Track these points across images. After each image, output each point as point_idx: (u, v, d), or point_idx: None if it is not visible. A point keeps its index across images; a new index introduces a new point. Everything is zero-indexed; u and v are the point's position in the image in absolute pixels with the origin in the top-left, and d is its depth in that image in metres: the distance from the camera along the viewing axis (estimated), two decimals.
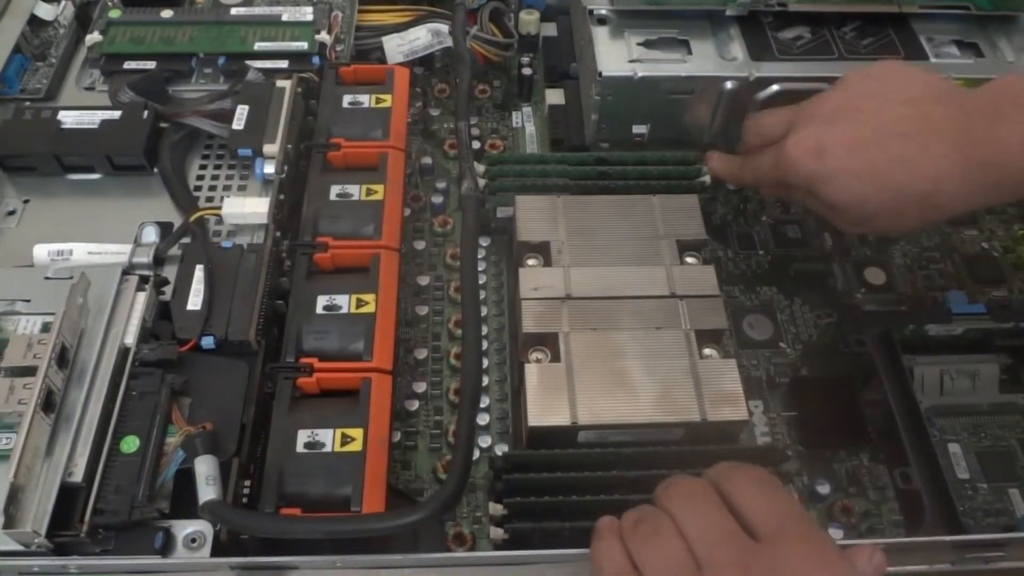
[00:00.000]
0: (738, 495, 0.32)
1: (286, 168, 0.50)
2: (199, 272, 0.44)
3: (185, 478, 0.38)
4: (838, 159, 0.43)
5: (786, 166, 0.45)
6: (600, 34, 0.57)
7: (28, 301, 0.42)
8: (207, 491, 0.37)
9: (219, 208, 0.48)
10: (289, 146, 0.51)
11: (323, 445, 0.40)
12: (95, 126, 0.51)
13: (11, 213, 0.50)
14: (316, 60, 0.56)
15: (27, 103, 0.55)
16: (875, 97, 0.44)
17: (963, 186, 0.41)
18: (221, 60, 0.56)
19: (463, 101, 0.57)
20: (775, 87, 0.55)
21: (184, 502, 0.38)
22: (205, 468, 0.37)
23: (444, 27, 0.62)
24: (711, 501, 0.32)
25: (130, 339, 0.41)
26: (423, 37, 0.62)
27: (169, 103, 0.54)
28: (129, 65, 0.56)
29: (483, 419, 0.48)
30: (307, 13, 0.58)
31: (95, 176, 0.52)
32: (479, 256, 0.54)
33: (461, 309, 0.49)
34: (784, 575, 0.29)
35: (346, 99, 0.53)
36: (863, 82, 0.46)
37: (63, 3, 0.61)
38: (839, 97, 0.46)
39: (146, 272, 0.45)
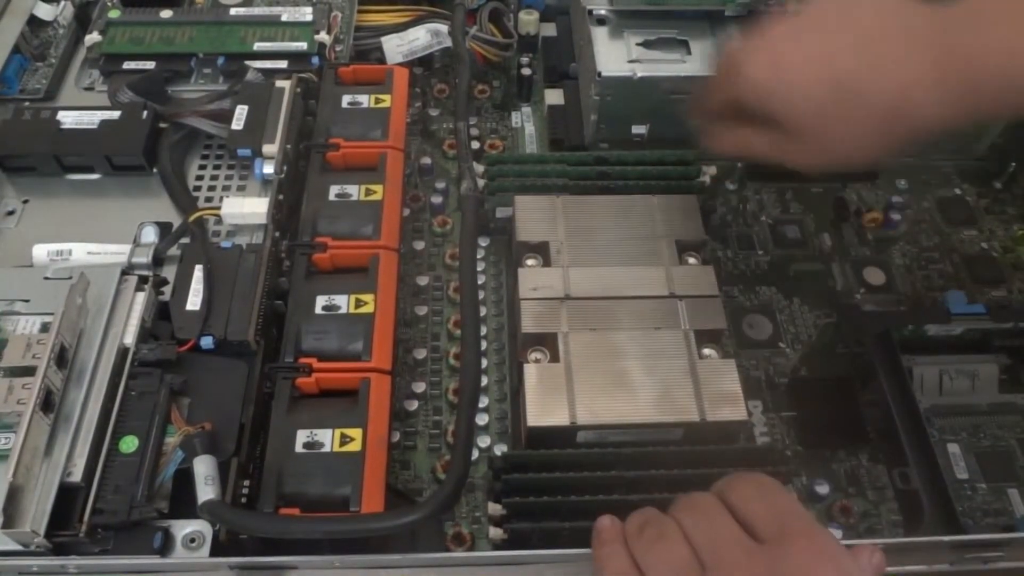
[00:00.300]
0: (739, 501, 0.32)
1: (285, 168, 0.50)
2: (198, 272, 0.44)
3: (184, 478, 0.38)
4: (796, 66, 0.39)
5: (740, 79, 0.41)
6: (599, 34, 0.57)
7: (27, 301, 0.42)
8: (206, 491, 0.37)
9: (218, 208, 0.48)
10: (288, 146, 0.51)
11: (322, 445, 0.40)
12: (94, 126, 0.51)
13: (10, 213, 0.50)
14: (315, 60, 0.56)
15: (26, 103, 0.55)
16: (843, 6, 0.41)
17: (937, 95, 0.37)
18: (220, 60, 0.56)
19: (462, 101, 0.57)
20: None
21: (183, 502, 0.38)
22: (204, 468, 0.37)
23: (443, 27, 0.62)
24: (714, 509, 0.32)
25: (129, 339, 0.41)
26: (422, 37, 0.62)
27: (168, 103, 0.54)
28: (128, 65, 0.56)
29: (482, 419, 0.48)
30: (306, 13, 0.58)
31: (94, 176, 0.52)
32: (478, 256, 0.54)
33: (460, 309, 0.49)
34: (787, 573, 0.29)
35: (345, 99, 0.53)
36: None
37: (62, 3, 0.61)
38: (805, 11, 0.42)
39: (145, 272, 0.45)
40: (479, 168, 0.54)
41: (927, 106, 0.38)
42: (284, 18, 0.58)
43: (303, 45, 0.56)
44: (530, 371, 0.44)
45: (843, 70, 0.39)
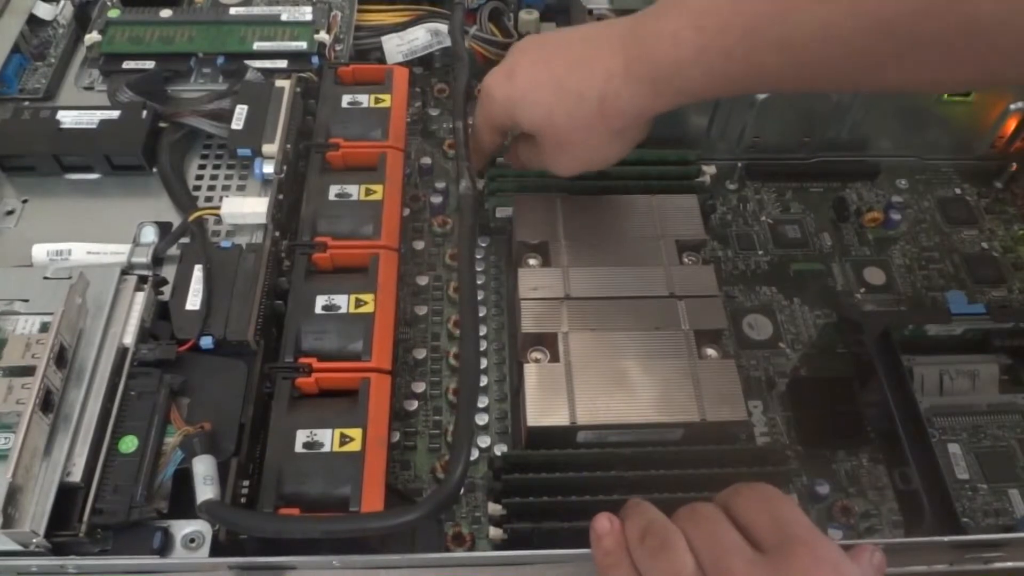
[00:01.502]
0: (740, 511, 0.32)
1: (285, 168, 0.50)
2: (198, 272, 0.44)
3: (184, 478, 0.38)
4: (526, 75, 0.43)
5: (485, 99, 0.46)
6: None
7: (27, 301, 0.42)
8: (204, 491, 0.37)
9: (218, 208, 0.48)
10: (288, 146, 0.51)
11: (322, 445, 0.39)
12: (94, 126, 0.51)
13: (10, 213, 0.50)
14: (315, 60, 0.56)
15: (26, 103, 0.55)
16: (567, 28, 0.46)
17: (629, 83, 0.40)
18: (220, 60, 0.56)
19: (460, 100, 0.57)
20: None
21: (183, 502, 0.38)
22: (202, 468, 0.37)
23: (443, 27, 0.62)
24: (715, 518, 0.32)
25: (129, 339, 0.41)
26: (422, 37, 0.62)
27: (168, 103, 0.54)
28: (128, 65, 0.55)
29: (482, 419, 0.48)
30: (306, 13, 0.58)
31: (94, 176, 0.52)
32: (478, 256, 0.54)
33: (459, 308, 0.49)
34: None
35: (345, 99, 0.53)
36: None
37: (62, 3, 0.61)
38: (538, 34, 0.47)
39: (145, 272, 0.45)
40: None
41: (627, 96, 0.41)
42: (284, 17, 0.58)
43: (303, 45, 0.56)
44: (530, 371, 0.44)
45: (560, 71, 0.42)
